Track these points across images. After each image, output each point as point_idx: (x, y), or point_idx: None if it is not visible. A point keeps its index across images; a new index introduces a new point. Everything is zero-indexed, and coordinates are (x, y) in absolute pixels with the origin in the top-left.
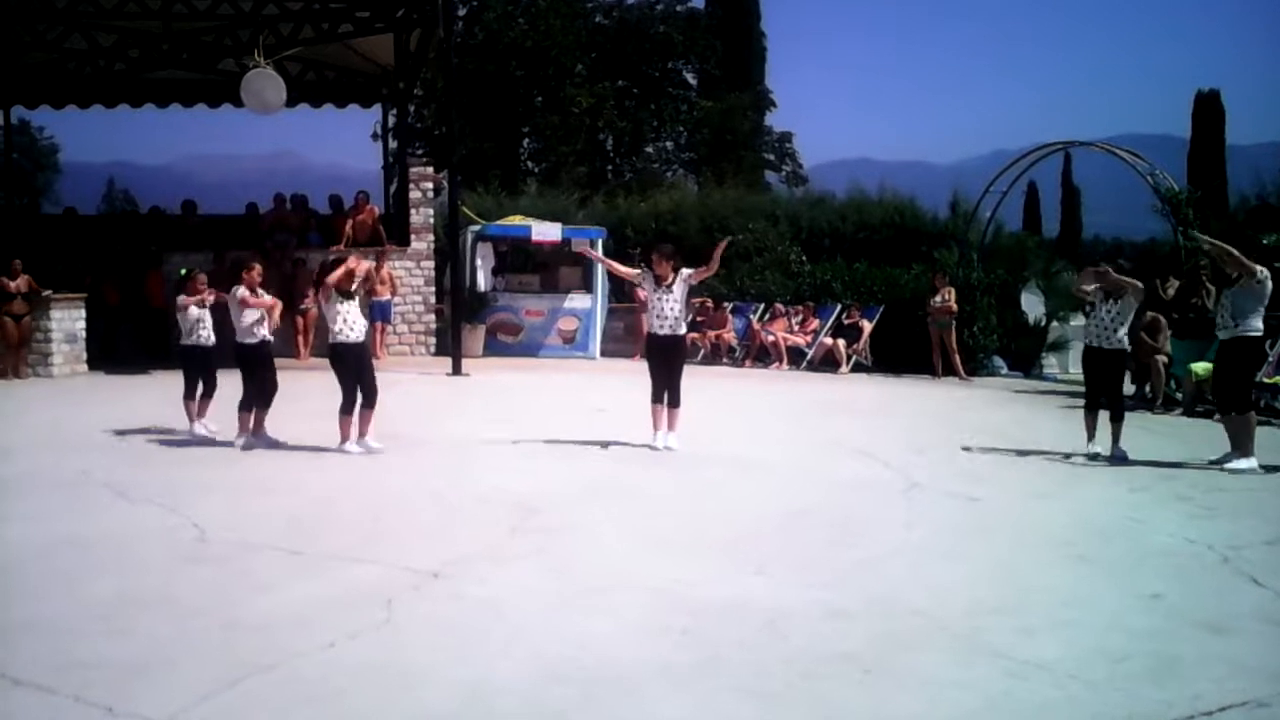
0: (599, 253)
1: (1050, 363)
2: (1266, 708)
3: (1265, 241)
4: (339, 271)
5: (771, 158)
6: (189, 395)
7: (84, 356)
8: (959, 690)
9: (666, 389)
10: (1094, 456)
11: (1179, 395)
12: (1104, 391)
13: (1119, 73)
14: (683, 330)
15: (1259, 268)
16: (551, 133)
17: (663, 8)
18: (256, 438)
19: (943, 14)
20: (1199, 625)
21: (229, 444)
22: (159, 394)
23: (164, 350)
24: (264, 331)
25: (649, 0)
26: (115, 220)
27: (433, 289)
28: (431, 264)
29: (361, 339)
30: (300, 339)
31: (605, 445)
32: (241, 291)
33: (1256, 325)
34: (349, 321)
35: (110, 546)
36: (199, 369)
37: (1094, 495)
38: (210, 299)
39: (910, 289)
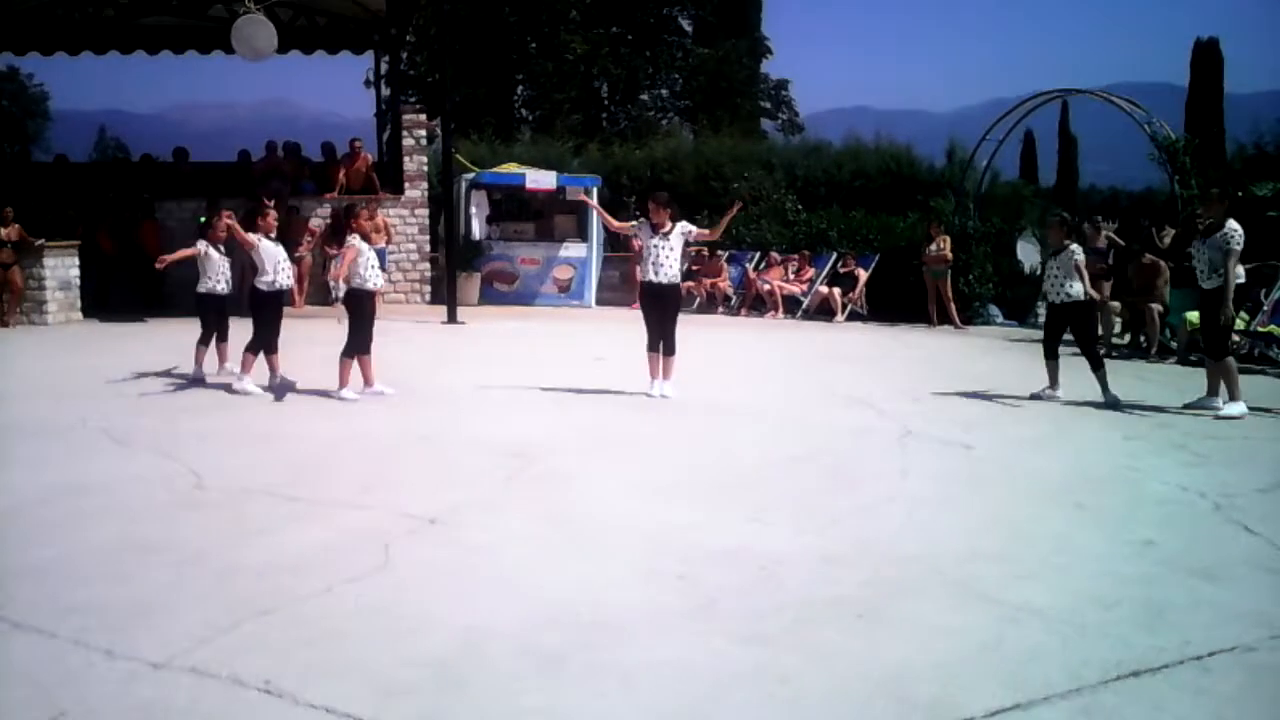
0: (594, 201)
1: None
2: (1254, 652)
3: (1260, 192)
4: (366, 223)
5: (768, 105)
6: (203, 341)
7: (78, 304)
8: (952, 635)
9: (661, 338)
10: (1034, 396)
11: (1174, 344)
12: (1077, 343)
13: (1118, 21)
14: (678, 278)
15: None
16: (546, 80)
17: None
18: (279, 384)
19: None
20: (1190, 572)
21: (230, 389)
22: (154, 342)
23: (158, 299)
24: (283, 280)
25: None
26: (107, 168)
27: (427, 237)
28: (426, 212)
29: (379, 287)
30: (295, 286)
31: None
32: (256, 237)
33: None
34: (375, 268)
35: (108, 493)
36: (214, 315)
37: (1088, 443)
38: (224, 235)
39: (906, 237)
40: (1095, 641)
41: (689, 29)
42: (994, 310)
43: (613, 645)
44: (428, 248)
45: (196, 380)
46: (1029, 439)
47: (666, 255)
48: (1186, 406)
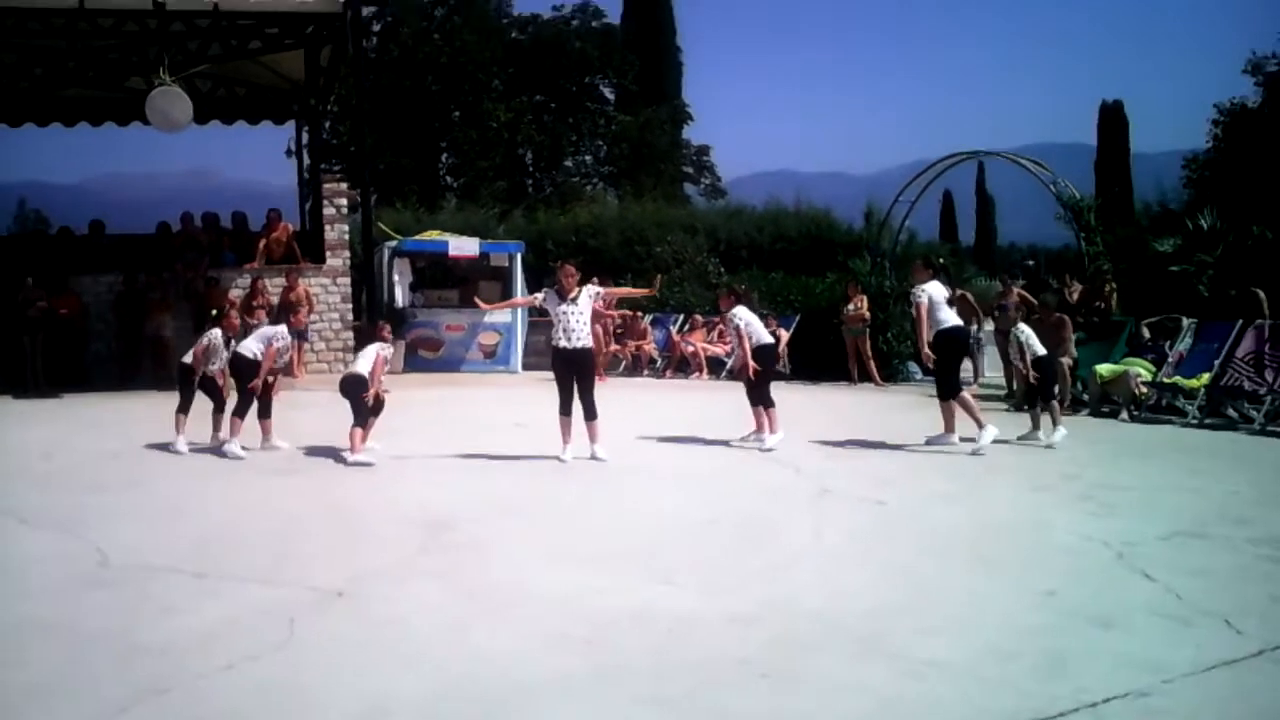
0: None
1: (964, 368)
2: (1146, 697)
3: (1162, 248)
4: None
5: (690, 170)
6: (182, 410)
7: None
8: (855, 691)
9: (581, 403)
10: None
11: (1085, 396)
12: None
13: (1033, 82)
14: (589, 343)
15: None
16: (470, 147)
17: (578, 24)
18: (267, 444)
19: (864, 26)
20: (1089, 620)
21: (174, 451)
22: (69, 418)
23: (76, 374)
24: (259, 349)
25: (564, 16)
26: (24, 240)
27: (350, 305)
28: (348, 280)
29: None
30: (297, 357)
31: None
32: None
33: (943, 319)
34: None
35: (8, 574)
36: (192, 388)
37: (998, 496)
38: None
39: (825, 298)
40: (994, 692)
41: (611, 97)
42: (913, 367)
43: (518, 714)
44: (350, 316)
45: (172, 449)
46: (941, 494)
47: (576, 320)
48: (928, 441)
